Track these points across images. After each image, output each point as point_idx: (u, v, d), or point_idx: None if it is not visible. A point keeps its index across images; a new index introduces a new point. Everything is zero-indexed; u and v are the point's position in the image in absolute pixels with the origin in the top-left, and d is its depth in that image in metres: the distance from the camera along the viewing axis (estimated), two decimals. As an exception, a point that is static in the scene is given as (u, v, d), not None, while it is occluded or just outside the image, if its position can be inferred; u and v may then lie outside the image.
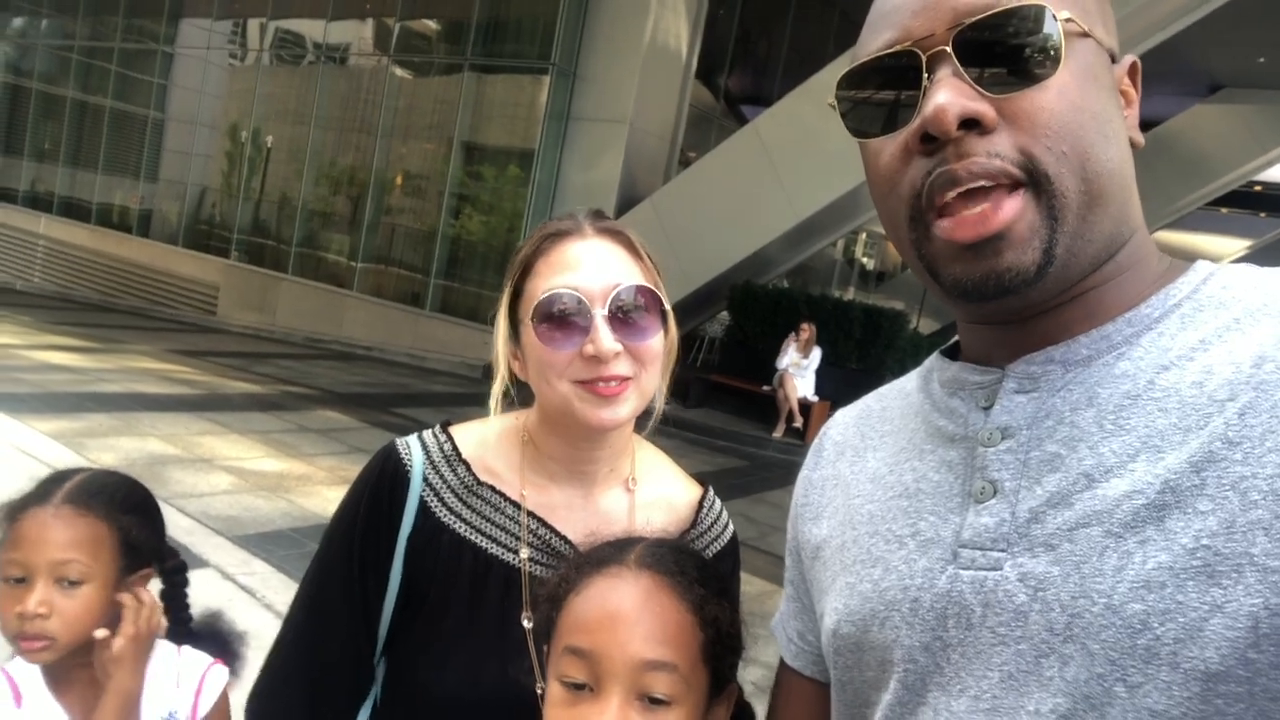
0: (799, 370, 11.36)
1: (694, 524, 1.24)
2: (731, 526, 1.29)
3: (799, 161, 11.54)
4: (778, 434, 11.25)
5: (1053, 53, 0.69)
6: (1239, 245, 24.78)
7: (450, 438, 1.21)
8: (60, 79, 21.46)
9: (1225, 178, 17.32)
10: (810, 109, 11.73)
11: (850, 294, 18.12)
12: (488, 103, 14.91)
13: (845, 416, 0.98)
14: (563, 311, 1.10)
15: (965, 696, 0.71)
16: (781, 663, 0.98)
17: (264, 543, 5.12)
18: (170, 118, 19.88)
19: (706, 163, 12.90)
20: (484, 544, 1.16)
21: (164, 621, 1.42)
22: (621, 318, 1.10)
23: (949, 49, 0.71)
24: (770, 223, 11.85)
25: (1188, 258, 0.80)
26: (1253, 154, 16.91)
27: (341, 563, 1.16)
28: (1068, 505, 0.68)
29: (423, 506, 1.16)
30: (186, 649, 1.42)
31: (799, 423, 11.28)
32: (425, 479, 1.17)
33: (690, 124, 14.40)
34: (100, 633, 1.27)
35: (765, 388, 11.56)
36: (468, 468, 1.19)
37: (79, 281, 19.50)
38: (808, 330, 11.39)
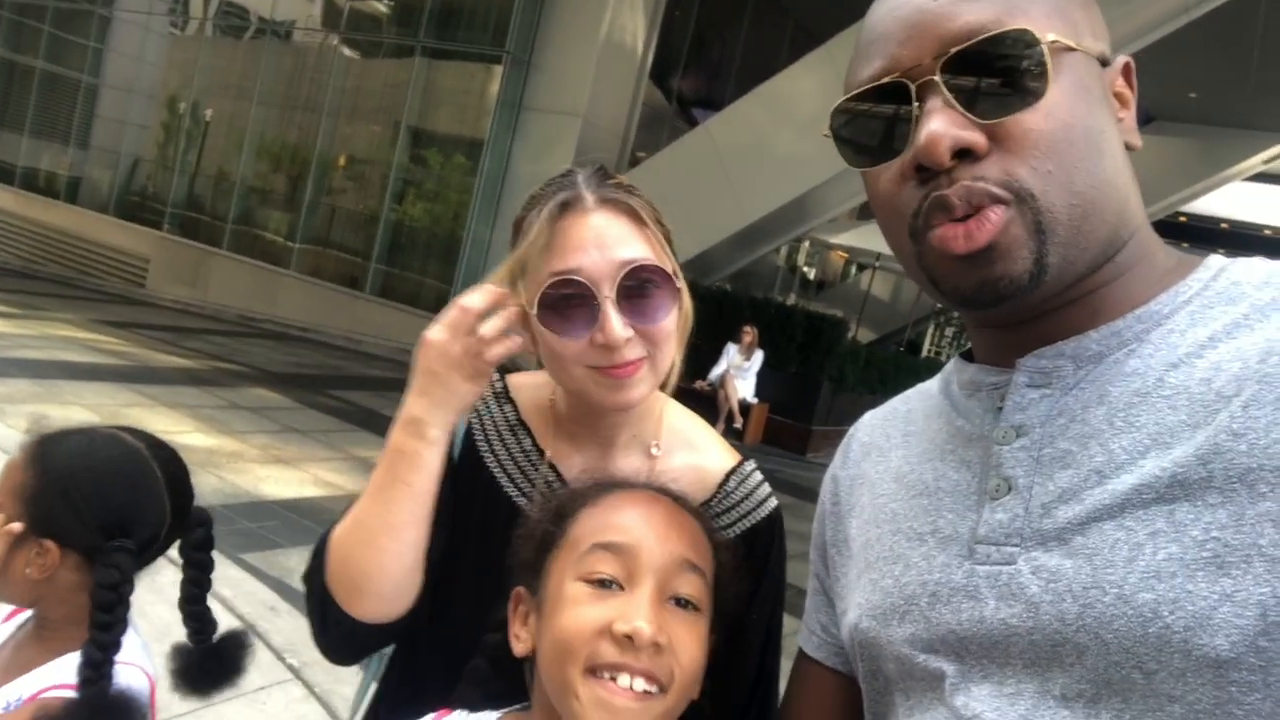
0: (740, 372, 11.44)
1: (717, 493, 1.17)
2: (772, 504, 1.20)
3: (749, 165, 11.64)
4: (716, 434, 11.29)
5: (1040, 74, 0.71)
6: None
7: (504, 380, 1.25)
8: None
9: (1153, 207, 17.93)
10: (763, 114, 11.84)
11: (791, 300, 18.33)
12: (438, 88, 14.71)
13: (872, 419, 1.01)
14: (568, 298, 1.06)
15: (987, 684, 0.72)
16: (801, 653, 1.01)
17: (192, 517, 4.97)
18: (105, 84, 19.15)
19: (658, 161, 12.93)
20: (503, 480, 1.18)
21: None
22: (630, 300, 1.06)
23: (937, 78, 0.72)
24: (719, 224, 11.91)
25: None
26: (1180, 185, 17.56)
27: None
28: (1079, 500, 0.70)
29: (468, 433, 1.20)
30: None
31: (739, 423, 11.35)
32: (475, 409, 1.21)
33: (642, 123, 14.40)
34: None
35: (704, 385, 11.59)
36: (514, 406, 1.23)
37: (1, 247, 18.70)
38: (751, 333, 11.48)
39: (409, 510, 1.06)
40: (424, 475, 1.06)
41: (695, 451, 1.20)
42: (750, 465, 1.22)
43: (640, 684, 0.86)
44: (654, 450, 1.18)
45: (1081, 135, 0.72)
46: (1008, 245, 0.70)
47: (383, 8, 16.05)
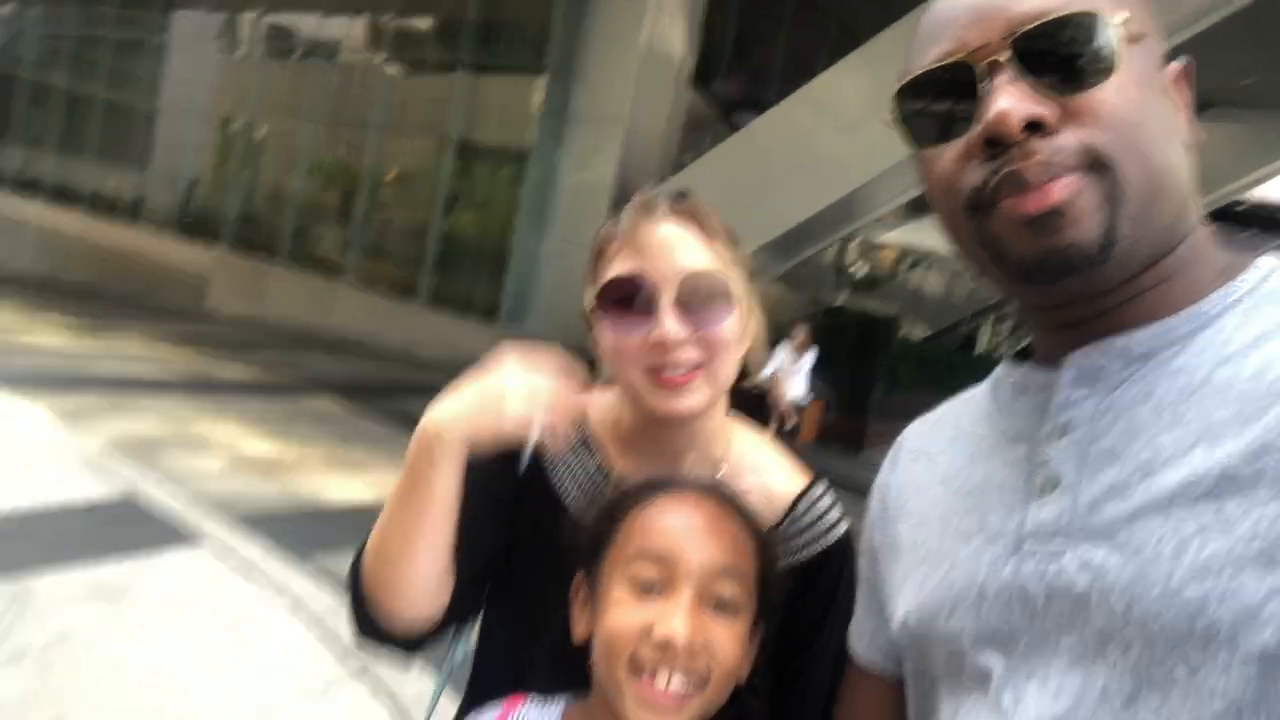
0: (791, 372, 11.39)
1: (787, 517, 1.15)
2: (843, 528, 1.17)
3: (793, 167, 11.60)
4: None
5: (1107, 58, 0.71)
6: (1223, 264, 24.86)
7: None
8: (51, 68, 21.29)
9: (1211, 195, 17.47)
10: (806, 115, 11.79)
11: (843, 299, 18.19)
12: (483, 100, 14.90)
13: (920, 425, 1.01)
14: (628, 296, 1.08)
15: (1034, 680, 0.73)
16: (850, 660, 1.02)
17: (259, 524, 5.12)
18: (163, 109, 19.74)
19: (701, 165, 12.93)
20: (570, 496, 1.17)
21: None
22: (690, 304, 1.07)
23: (1005, 58, 0.72)
24: (763, 227, 11.89)
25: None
26: (1239, 173, 17.08)
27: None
28: (1126, 496, 0.70)
29: (536, 448, 1.19)
30: None
31: (792, 422, 11.29)
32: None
33: (686, 128, 14.44)
34: None
35: (751, 385, 11.55)
36: (582, 423, 1.21)
37: (68, 268, 19.34)
38: (803, 332, 11.43)
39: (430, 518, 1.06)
40: (445, 484, 1.05)
41: (764, 474, 1.18)
42: (820, 488, 1.19)
43: (678, 681, 0.93)
44: (721, 472, 1.17)
45: (1152, 116, 0.73)
46: (1079, 211, 0.70)
47: (425, 26, 16.32)
